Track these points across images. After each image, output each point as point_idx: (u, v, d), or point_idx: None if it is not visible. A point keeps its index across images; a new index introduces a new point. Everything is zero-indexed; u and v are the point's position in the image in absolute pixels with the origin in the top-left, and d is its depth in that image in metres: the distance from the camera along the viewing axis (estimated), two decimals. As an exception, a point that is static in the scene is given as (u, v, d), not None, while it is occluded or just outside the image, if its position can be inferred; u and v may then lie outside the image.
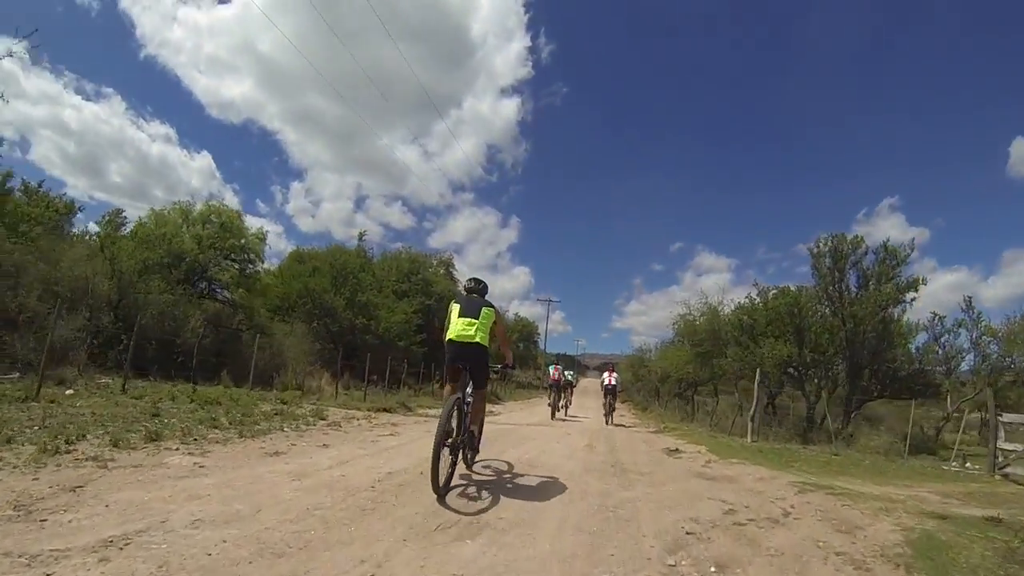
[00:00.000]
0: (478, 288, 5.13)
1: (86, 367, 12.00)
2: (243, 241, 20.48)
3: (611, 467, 6.48)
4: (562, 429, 11.36)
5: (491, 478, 5.26)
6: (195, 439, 5.79)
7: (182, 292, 16.75)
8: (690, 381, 23.60)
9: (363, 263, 26.83)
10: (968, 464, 10.77)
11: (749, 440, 11.77)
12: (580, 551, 3.35)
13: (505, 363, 5.57)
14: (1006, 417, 9.70)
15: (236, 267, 20.28)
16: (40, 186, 20.19)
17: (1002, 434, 9.46)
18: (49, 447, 4.61)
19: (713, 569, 3.24)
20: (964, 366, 18.76)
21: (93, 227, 22.67)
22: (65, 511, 3.22)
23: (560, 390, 15.69)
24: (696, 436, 11.44)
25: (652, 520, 4.32)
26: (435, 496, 4.07)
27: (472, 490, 4.64)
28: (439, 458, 4.08)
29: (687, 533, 3.97)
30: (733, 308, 19.65)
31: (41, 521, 3.01)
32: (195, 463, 4.77)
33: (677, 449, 8.47)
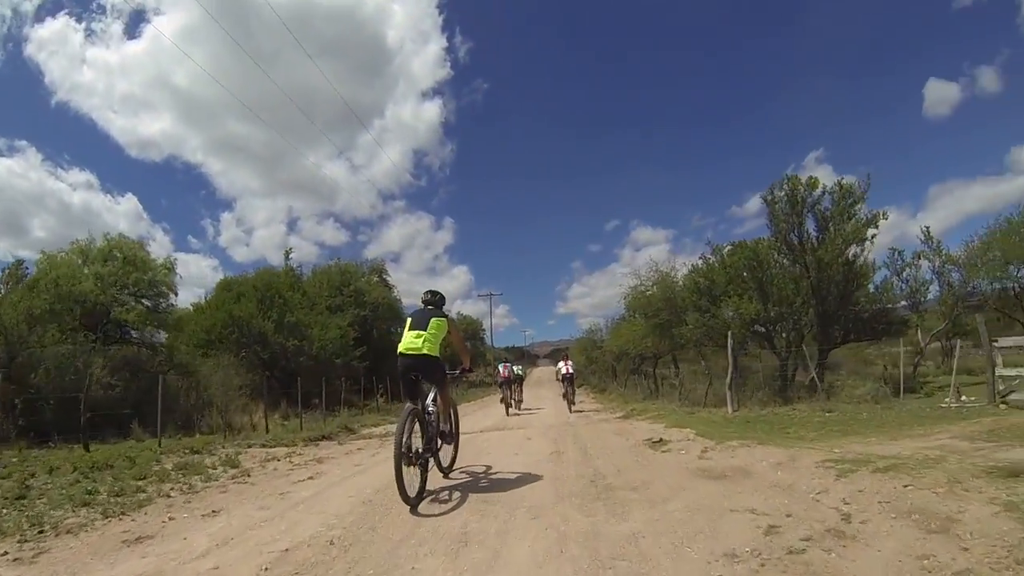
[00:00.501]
0: (434, 300, 5.25)
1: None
2: (149, 275, 18.68)
3: (590, 483, 4.95)
4: (521, 432, 9.81)
5: (440, 513, 4.31)
6: (41, 531, 4.36)
7: (83, 339, 14.86)
8: (649, 355, 22.59)
9: (292, 282, 25.87)
10: (964, 397, 10.05)
11: (731, 411, 10.66)
12: None
13: (463, 367, 5.93)
14: (1002, 342, 8.97)
15: (145, 304, 18.60)
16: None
17: (999, 360, 8.69)
18: None
19: None
20: (930, 296, 18.69)
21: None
22: None
23: (511, 386, 16.50)
24: (672, 416, 10.17)
25: (672, 570, 2.83)
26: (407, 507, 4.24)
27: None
28: (402, 474, 4.21)
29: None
30: (687, 272, 18.60)
31: None
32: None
33: (661, 440, 7.07)
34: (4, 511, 5.03)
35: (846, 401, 10.92)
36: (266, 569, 3.24)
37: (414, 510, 4.23)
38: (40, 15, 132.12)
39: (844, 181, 15.53)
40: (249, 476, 6.58)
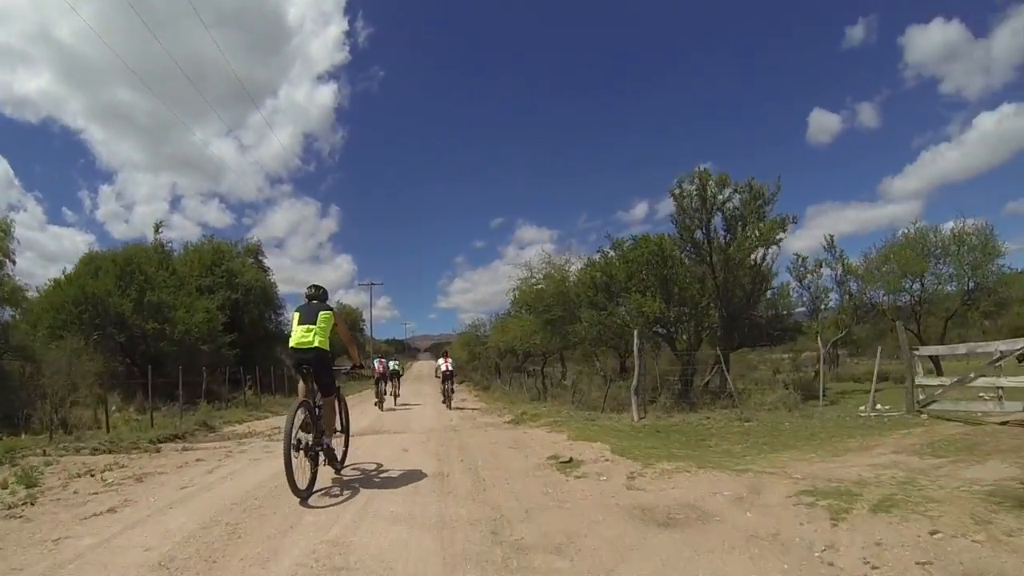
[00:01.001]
0: (317, 294, 5.35)
1: None
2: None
3: (491, 537, 3.42)
4: (398, 440, 8.08)
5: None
6: None
7: None
8: (538, 353, 21.57)
9: (162, 259, 23.69)
10: (879, 406, 9.84)
11: (636, 418, 9.72)
12: None
13: (354, 364, 5.97)
14: (922, 350, 8.85)
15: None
16: None
17: (919, 369, 8.50)
18: None
19: None
20: (826, 304, 19.41)
21: None
22: None
23: (387, 381, 16.41)
24: (572, 424, 8.94)
25: None
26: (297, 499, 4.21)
27: None
28: (291, 465, 4.20)
29: None
30: (583, 267, 17.62)
31: None
32: None
33: (571, 459, 5.70)
34: None
35: (755, 408, 10.44)
36: None
37: (304, 502, 4.23)
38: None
39: (754, 182, 15.48)
40: (34, 504, 4.57)
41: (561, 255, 20.35)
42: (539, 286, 19.41)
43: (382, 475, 5.42)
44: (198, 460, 6.47)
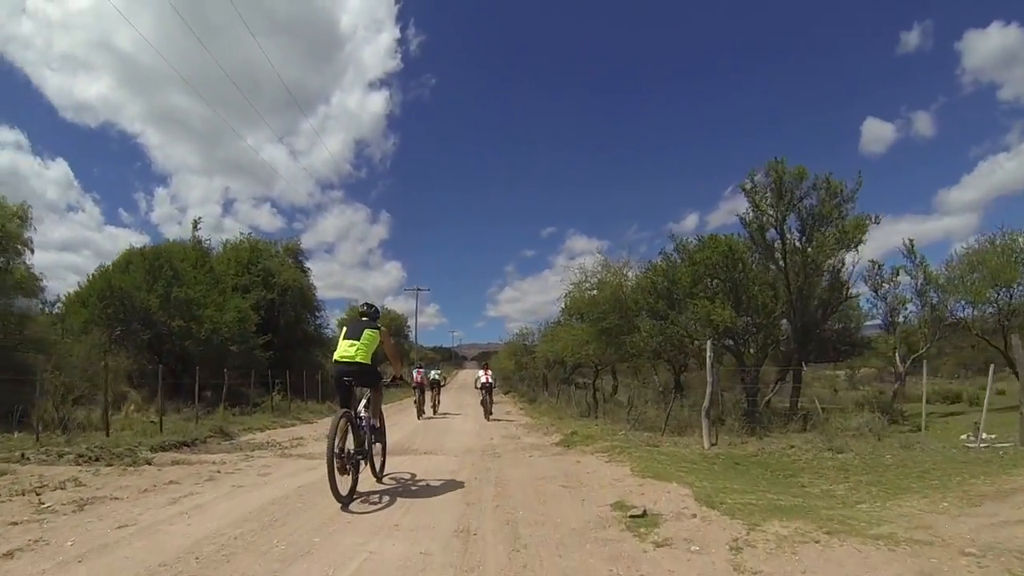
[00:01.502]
0: (369, 312, 5.74)
1: None
2: (-7, 224, 15.06)
3: None
4: (423, 467, 6.84)
5: None
6: None
7: None
8: (590, 365, 19.92)
9: (199, 256, 23.00)
10: (984, 435, 8.15)
11: (707, 445, 8.15)
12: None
13: (394, 376, 6.40)
14: None
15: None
16: None
17: None
18: None
19: None
20: (904, 316, 17.09)
21: None
22: None
23: (424, 391, 16.38)
24: (634, 453, 7.41)
25: None
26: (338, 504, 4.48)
27: None
28: (334, 473, 4.49)
29: None
30: (643, 271, 15.94)
31: None
32: None
33: (645, 512, 4.23)
34: None
35: (839, 435, 8.71)
36: None
37: (345, 508, 4.48)
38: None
39: (831, 177, 13.63)
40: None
41: (618, 259, 18.70)
42: (593, 291, 17.85)
43: (392, 524, 4.13)
44: (171, 483, 5.39)
